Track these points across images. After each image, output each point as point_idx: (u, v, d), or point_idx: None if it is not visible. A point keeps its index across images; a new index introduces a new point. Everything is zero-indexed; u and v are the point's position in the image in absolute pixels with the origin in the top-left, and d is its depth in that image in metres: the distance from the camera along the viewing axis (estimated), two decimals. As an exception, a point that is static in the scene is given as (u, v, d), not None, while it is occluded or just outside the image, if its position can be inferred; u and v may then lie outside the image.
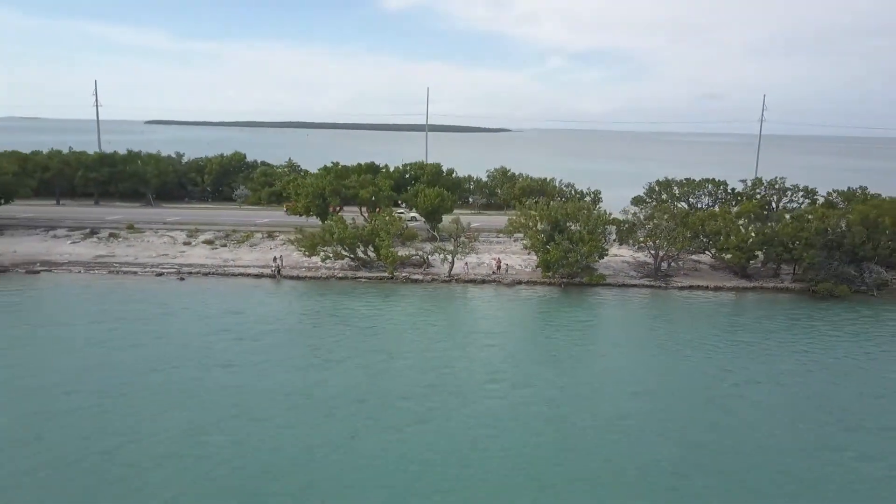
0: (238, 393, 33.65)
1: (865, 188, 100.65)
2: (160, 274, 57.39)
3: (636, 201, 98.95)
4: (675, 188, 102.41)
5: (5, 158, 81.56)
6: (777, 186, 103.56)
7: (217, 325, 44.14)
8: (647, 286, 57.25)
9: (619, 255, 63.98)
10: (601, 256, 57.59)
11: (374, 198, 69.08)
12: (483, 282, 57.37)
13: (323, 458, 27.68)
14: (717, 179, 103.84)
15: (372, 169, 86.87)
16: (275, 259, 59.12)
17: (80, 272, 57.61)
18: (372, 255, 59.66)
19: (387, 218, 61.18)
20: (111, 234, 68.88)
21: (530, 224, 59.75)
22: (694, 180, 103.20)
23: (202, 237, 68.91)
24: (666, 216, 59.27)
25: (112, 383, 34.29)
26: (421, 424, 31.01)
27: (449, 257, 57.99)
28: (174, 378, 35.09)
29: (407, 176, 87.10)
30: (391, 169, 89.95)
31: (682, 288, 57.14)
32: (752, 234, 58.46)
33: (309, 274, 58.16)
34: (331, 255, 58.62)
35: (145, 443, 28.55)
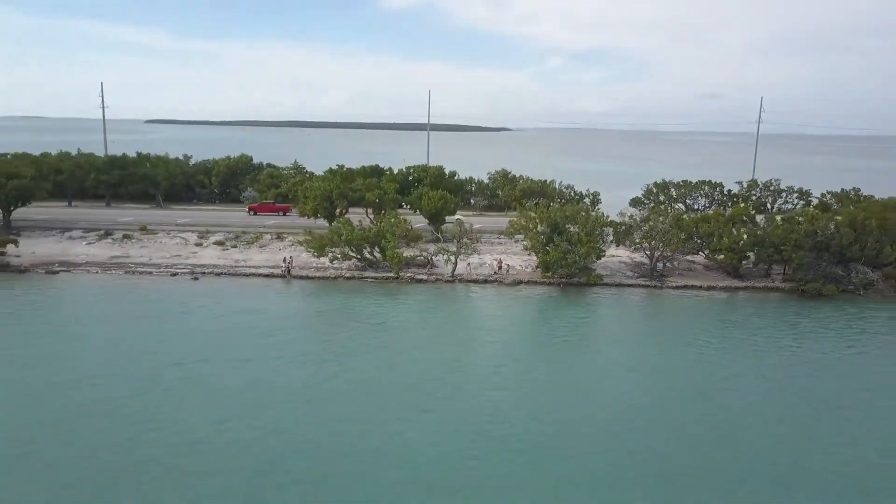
0: (257, 386, 35.96)
1: (858, 189, 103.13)
2: (174, 274, 59.68)
3: (634, 202, 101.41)
4: (673, 190, 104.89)
5: (19, 161, 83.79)
6: (772, 188, 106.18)
7: (233, 322, 46.46)
8: (642, 286, 59.51)
9: (617, 255, 66.19)
10: (599, 257, 59.85)
11: (379, 200, 71.32)
12: (485, 281, 59.64)
13: (338, 446, 29.97)
14: (713, 181, 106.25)
15: (376, 171, 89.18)
16: (285, 259, 61.41)
17: (97, 272, 59.89)
18: (378, 255, 61.93)
19: (392, 220, 63.43)
20: (125, 236, 71.19)
21: (530, 226, 62.03)
22: (691, 182, 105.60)
23: (213, 238, 71.18)
24: (661, 218, 61.51)
25: (137, 377, 36.59)
26: (429, 414, 33.33)
27: (452, 258, 60.29)
28: (196, 372, 37.40)
29: (410, 178, 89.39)
30: (395, 171, 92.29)
31: (676, 287, 59.41)
32: (744, 236, 60.70)
33: (318, 274, 60.45)
34: (339, 255, 60.92)
35: (170, 431, 30.84)
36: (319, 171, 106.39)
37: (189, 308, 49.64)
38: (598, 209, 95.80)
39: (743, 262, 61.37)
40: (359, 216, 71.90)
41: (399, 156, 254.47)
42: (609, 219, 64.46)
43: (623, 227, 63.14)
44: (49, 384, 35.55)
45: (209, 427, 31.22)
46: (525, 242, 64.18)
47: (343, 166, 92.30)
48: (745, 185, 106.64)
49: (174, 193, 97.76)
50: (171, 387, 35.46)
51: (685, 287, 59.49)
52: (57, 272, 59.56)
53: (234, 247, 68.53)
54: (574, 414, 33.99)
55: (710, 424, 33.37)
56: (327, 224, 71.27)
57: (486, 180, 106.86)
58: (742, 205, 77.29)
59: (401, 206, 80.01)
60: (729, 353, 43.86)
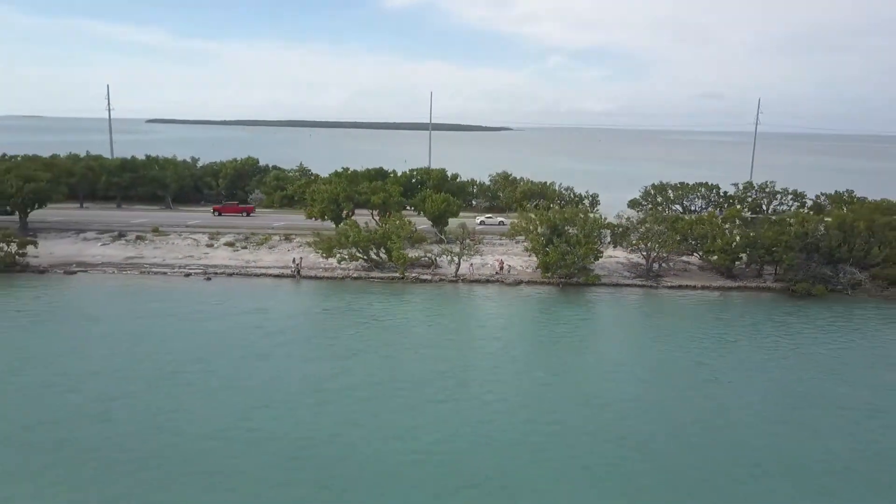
0: (274, 380, 38.30)
1: (852, 191, 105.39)
2: (188, 275, 61.95)
3: (632, 204, 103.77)
4: (670, 191, 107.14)
5: (31, 163, 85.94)
6: (767, 190, 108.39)
7: (247, 321, 48.77)
8: (639, 286, 61.78)
9: (614, 256, 68.44)
10: (596, 258, 62.17)
11: (384, 203, 73.62)
12: (487, 281, 61.91)
13: (352, 434, 32.31)
14: (709, 183, 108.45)
15: (380, 174, 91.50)
16: (294, 260, 63.70)
17: (113, 273, 62.19)
18: (384, 256, 64.21)
19: (397, 222, 65.70)
20: (138, 237, 73.50)
21: (531, 228, 64.31)
22: (688, 184, 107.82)
23: (223, 239, 73.46)
24: (657, 221, 63.78)
25: (161, 372, 38.92)
26: (436, 405, 35.65)
27: (455, 259, 62.59)
28: (216, 367, 39.72)
29: (413, 181, 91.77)
30: (398, 174, 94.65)
31: (671, 287, 61.67)
32: (737, 238, 62.97)
33: (326, 274, 62.73)
34: (346, 256, 63.21)
35: (196, 422, 33.15)
36: (323, 172, 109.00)
37: (204, 307, 51.94)
38: (598, 210, 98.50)
39: (736, 262, 63.65)
40: (364, 218, 74.24)
41: (400, 156, 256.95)
42: (606, 221, 66.72)
43: (620, 229, 65.39)
44: (79, 378, 37.84)
45: (231, 418, 33.54)
46: (526, 244, 66.46)
47: (348, 169, 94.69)
48: (740, 187, 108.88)
49: (182, 195, 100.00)
50: (194, 381, 37.79)
51: (680, 287, 61.75)
52: (75, 272, 61.85)
53: (245, 248, 70.82)
54: (572, 408, 36.26)
55: (702, 417, 35.60)
56: (334, 226, 73.60)
57: (487, 182, 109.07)
58: (736, 207, 79.50)
59: (405, 208, 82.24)
60: (722, 350, 46.15)
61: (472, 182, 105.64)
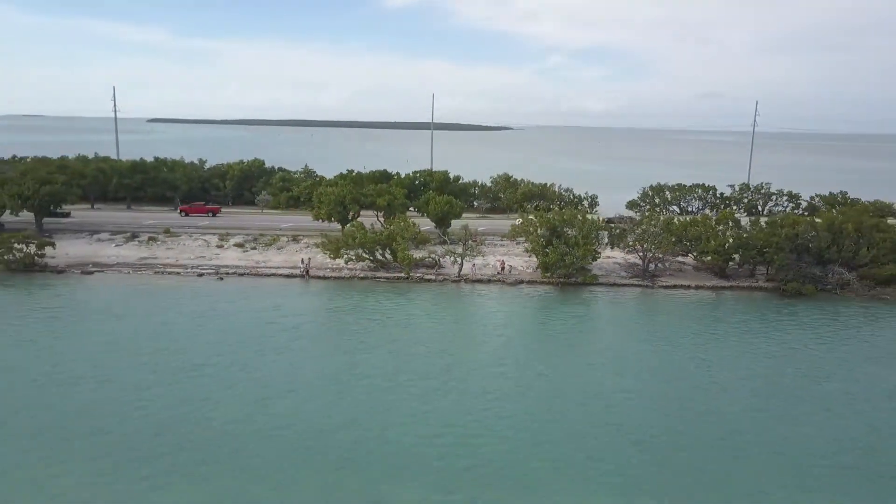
0: (290, 372, 40.81)
1: (846, 193, 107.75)
2: (201, 274, 64.27)
3: (631, 205, 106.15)
4: (667, 193, 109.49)
5: (42, 165, 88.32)
6: (763, 191, 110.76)
7: (262, 318, 51.15)
8: (635, 285, 64.10)
9: (611, 257, 70.72)
10: (594, 259, 64.51)
11: (389, 205, 75.95)
12: (489, 281, 64.24)
13: (364, 421, 34.74)
14: (706, 184, 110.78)
15: (385, 176, 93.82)
16: (302, 261, 66.03)
17: (128, 273, 64.53)
18: (389, 257, 66.53)
19: (402, 224, 68.02)
20: (150, 238, 75.80)
21: (531, 229, 66.63)
22: (685, 185, 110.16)
23: (233, 240, 75.74)
24: (653, 222, 66.12)
25: (184, 365, 41.31)
26: (441, 395, 38.07)
27: (458, 259, 64.91)
28: (236, 361, 42.13)
29: (417, 183, 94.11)
30: (402, 175, 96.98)
31: (667, 287, 63.98)
32: (730, 239, 65.28)
33: (333, 274, 65.06)
34: (353, 257, 65.55)
35: (221, 410, 35.58)
36: (326, 173, 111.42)
37: (219, 305, 54.30)
38: (597, 211, 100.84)
39: (729, 263, 65.96)
40: (370, 220, 76.54)
41: (402, 156, 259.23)
42: (604, 223, 68.98)
43: (617, 231, 67.68)
44: (109, 371, 40.20)
45: (253, 406, 35.98)
46: (526, 245, 68.79)
47: (353, 171, 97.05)
48: (736, 189, 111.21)
49: (190, 196, 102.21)
50: (216, 373, 40.21)
51: (675, 286, 64.05)
52: (91, 272, 64.18)
53: (254, 248, 73.12)
54: (569, 399, 38.59)
55: (693, 408, 37.93)
56: (340, 227, 75.95)
57: (488, 183, 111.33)
58: (729, 210, 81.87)
59: (409, 210, 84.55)
60: (714, 346, 48.52)
61: (474, 183, 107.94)
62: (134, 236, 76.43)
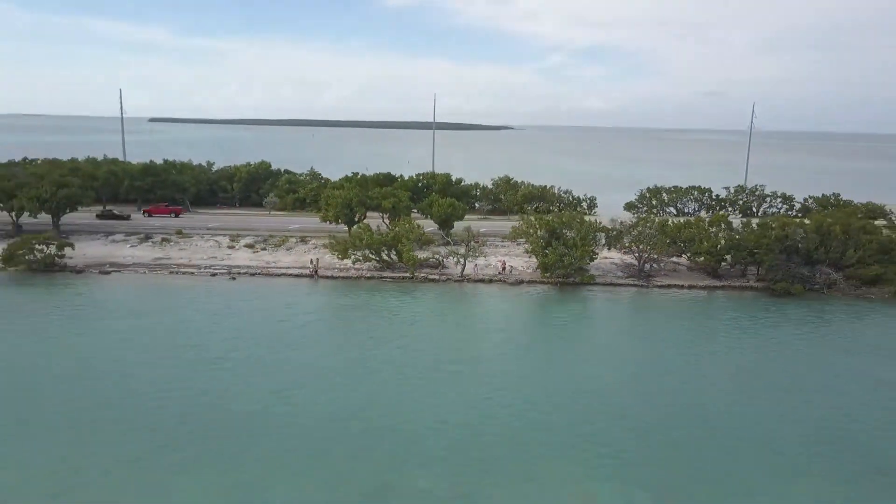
0: (304, 365, 43.53)
1: (838, 194, 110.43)
2: (214, 274, 66.92)
3: (628, 207, 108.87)
4: (664, 194, 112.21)
5: (56, 168, 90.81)
6: (757, 193, 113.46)
7: (274, 315, 53.85)
8: (631, 285, 66.75)
9: (609, 257, 73.39)
10: (592, 259, 67.19)
11: (394, 207, 78.65)
12: (490, 281, 66.90)
13: (377, 408, 37.51)
14: (702, 186, 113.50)
15: (389, 179, 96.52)
16: (311, 261, 68.71)
17: (144, 273, 67.18)
18: (395, 257, 69.21)
19: (407, 226, 70.70)
20: (163, 239, 78.48)
21: (531, 231, 69.31)
22: (681, 188, 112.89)
23: (243, 241, 78.43)
24: (648, 224, 68.79)
25: (203, 360, 44.00)
26: (447, 386, 40.79)
27: (461, 260, 67.59)
28: (252, 355, 44.83)
29: (420, 185, 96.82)
30: (405, 178, 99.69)
31: (661, 286, 66.63)
32: (722, 241, 67.93)
33: (341, 274, 67.72)
34: (360, 257, 68.23)
35: (241, 400, 38.24)
36: (329, 173, 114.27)
37: (233, 303, 56.99)
38: (595, 212, 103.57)
39: (721, 263, 68.62)
40: (375, 221, 79.26)
41: (403, 157, 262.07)
42: (601, 225, 71.71)
43: (614, 232, 70.35)
44: (132, 365, 42.90)
45: (270, 397, 38.67)
46: (526, 246, 71.47)
47: (357, 173, 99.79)
48: (731, 191, 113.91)
49: (199, 198, 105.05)
50: (234, 366, 42.92)
51: (669, 286, 66.70)
52: (109, 272, 66.85)
53: (264, 249, 75.80)
54: (566, 389, 41.24)
55: (683, 398, 40.56)
56: (346, 228, 78.65)
57: (489, 185, 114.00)
58: (721, 213, 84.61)
59: (413, 212, 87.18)
60: (705, 342, 51.24)
61: (476, 186, 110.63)
62: (147, 237, 79.12)
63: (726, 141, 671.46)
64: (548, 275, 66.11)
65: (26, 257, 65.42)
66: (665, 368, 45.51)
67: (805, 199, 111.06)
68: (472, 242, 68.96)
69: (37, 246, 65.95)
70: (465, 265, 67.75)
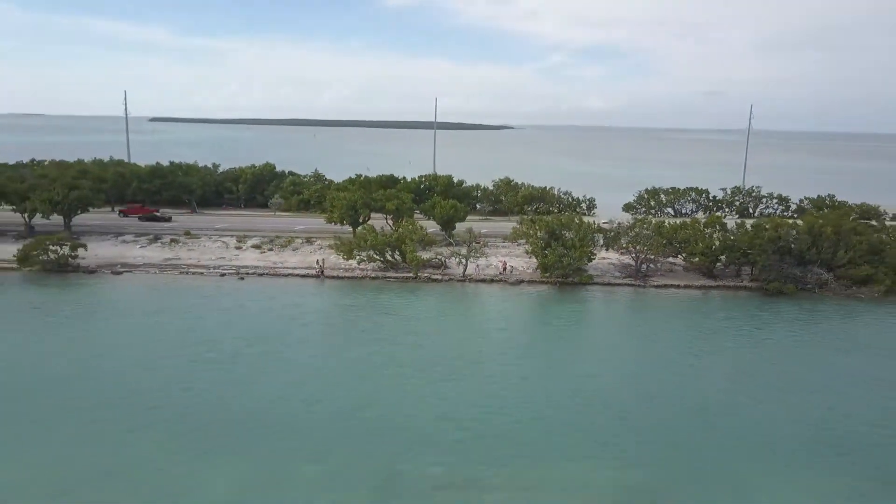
0: (315, 361, 45.62)
1: (833, 196, 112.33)
2: (223, 274, 68.85)
3: (627, 208, 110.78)
4: (662, 196, 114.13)
5: (65, 170, 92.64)
6: (753, 194, 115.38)
7: (284, 313, 55.84)
8: (628, 285, 68.68)
9: (606, 258, 75.32)
10: (590, 260, 69.17)
11: (398, 209, 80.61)
12: (492, 281, 68.85)
13: (383, 403, 39.46)
14: (699, 188, 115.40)
15: (392, 180, 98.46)
16: (318, 262, 70.66)
17: (155, 273, 69.10)
18: (399, 258, 71.16)
19: (410, 227, 72.66)
20: (172, 240, 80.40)
21: (531, 232, 71.27)
22: (679, 189, 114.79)
23: (250, 242, 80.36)
24: (644, 226, 70.75)
25: (219, 355, 46.01)
26: (451, 381, 42.78)
27: (463, 260, 69.55)
28: (265, 351, 46.88)
29: (422, 187, 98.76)
30: (408, 179, 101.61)
31: (658, 286, 68.55)
32: (716, 241, 69.88)
33: (346, 274, 69.66)
34: (365, 258, 70.18)
35: (258, 392, 40.35)
36: (332, 174, 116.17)
37: (244, 302, 58.96)
38: (594, 213, 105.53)
39: (716, 264, 70.56)
40: (379, 223, 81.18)
41: (404, 157, 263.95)
42: (599, 226, 73.70)
43: (612, 234, 72.29)
44: (152, 361, 44.86)
45: (285, 390, 40.76)
46: (526, 247, 73.42)
47: (361, 175, 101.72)
48: (728, 192, 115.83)
49: (205, 199, 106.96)
50: (248, 362, 44.95)
51: (665, 286, 68.64)
52: (121, 273, 68.78)
53: (270, 250, 77.73)
54: (564, 384, 43.17)
55: (677, 393, 42.48)
56: (351, 229, 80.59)
57: (490, 187, 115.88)
58: (721, 213, 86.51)
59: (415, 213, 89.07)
60: (700, 340, 53.13)
61: (477, 187, 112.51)
62: (156, 238, 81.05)
63: (726, 141, 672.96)
64: (547, 275, 68.03)
65: (41, 258, 67.35)
66: (660, 365, 47.45)
67: (801, 200, 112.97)
68: (474, 243, 70.91)
69: (51, 247, 67.87)
70: (466, 265, 69.68)
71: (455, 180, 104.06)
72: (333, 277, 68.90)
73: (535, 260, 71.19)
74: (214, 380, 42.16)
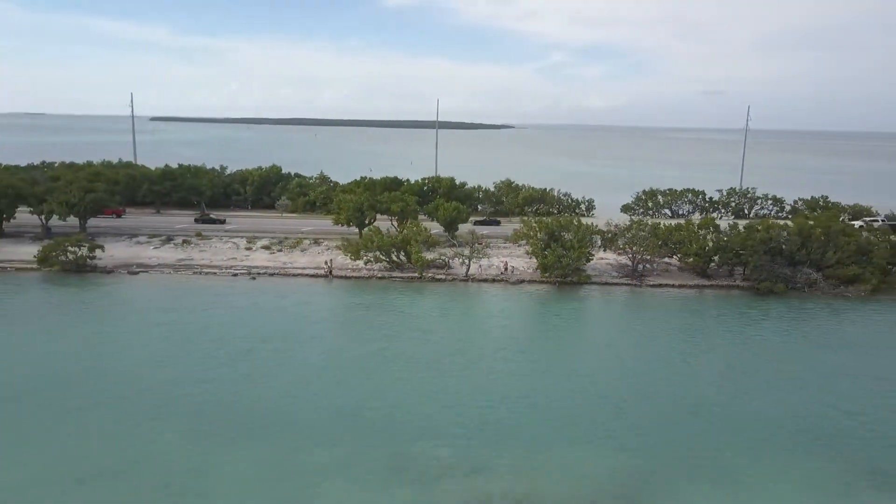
0: (325, 357, 48.31)
1: (826, 197, 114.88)
2: (235, 275, 71.49)
3: (625, 209, 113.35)
4: (660, 197, 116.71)
5: (74, 172, 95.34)
6: (749, 195, 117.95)
7: (295, 312, 58.54)
8: (625, 284, 71.33)
9: (604, 258, 77.97)
10: (588, 260, 71.82)
11: (402, 211, 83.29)
12: (493, 280, 71.50)
13: (391, 395, 42.17)
14: (696, 189, 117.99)
15: (395, 183, 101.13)
16: (326, 262, 73.31)
17: (169, 273, 71.75)
18: (404, 258, 73.82)
19: (415, 229, 75.32)
20: (184, 241, 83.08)
21: (531, 234, 73.92)
22: (676, 190, 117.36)
23: (260, 243, 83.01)
24: (641, 227, 73.39)
25: (237, 351, 48.68)
26: (455, 375, 45.51)
27: (466, 261, 72.20)
28: (278, 348, 49.54)
29: (426, 189, 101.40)
30: (411, 181, 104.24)
31: (653, 286, 71.19)
32: (710, 242, 72.50)
33: (354, 274, 72.32)
34: (371, 258, 72.85)
35: (272, 387, 42.94)
36: (336, 175, 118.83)
37: (256, 301, 61.63)
38: (594, 214, 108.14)
39: (710, 264, 73.20)
40: (385, 224, 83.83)
41: (406, 156, 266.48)
42: (597, 227, 76.35)
43: (609, 235, 74.93)
44: (167, 357, 47.53)
45: (298, 383, 43.43)
46: (527, 248, 76.07)
47: (365, 177, 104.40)
48: (724, 193, 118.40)
49: (213, 200, 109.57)
50: (262, 358, 47.62)
51: (661, 285, 71.27)
52: (137, 273, 71.44)
53: (280, 251, 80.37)
54: (562, 378, 45.85)
55: (670, 386, 45.11)
56: (357, 231, 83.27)
57: (491, 188, 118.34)
58: (713, 214, 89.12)
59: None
60: (693, 337, 55.86)
61: (478, 188, 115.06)
62: (169, 239, 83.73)
63: (725, 140, 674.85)
64: (547, 275, 70.66)
65: (60, 258, 70.02)
66: (654, 360, 50.13)
67: (794, 201, 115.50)
68: (476, 244, 73.55)
69: (69, 248, 70.52)
70: (469, 266, 72.33)
71: (457, 182, 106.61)
72: (341, 277, 71.54)
73: (535, 260, 73.80)
74: (229, 375, 44.74)
